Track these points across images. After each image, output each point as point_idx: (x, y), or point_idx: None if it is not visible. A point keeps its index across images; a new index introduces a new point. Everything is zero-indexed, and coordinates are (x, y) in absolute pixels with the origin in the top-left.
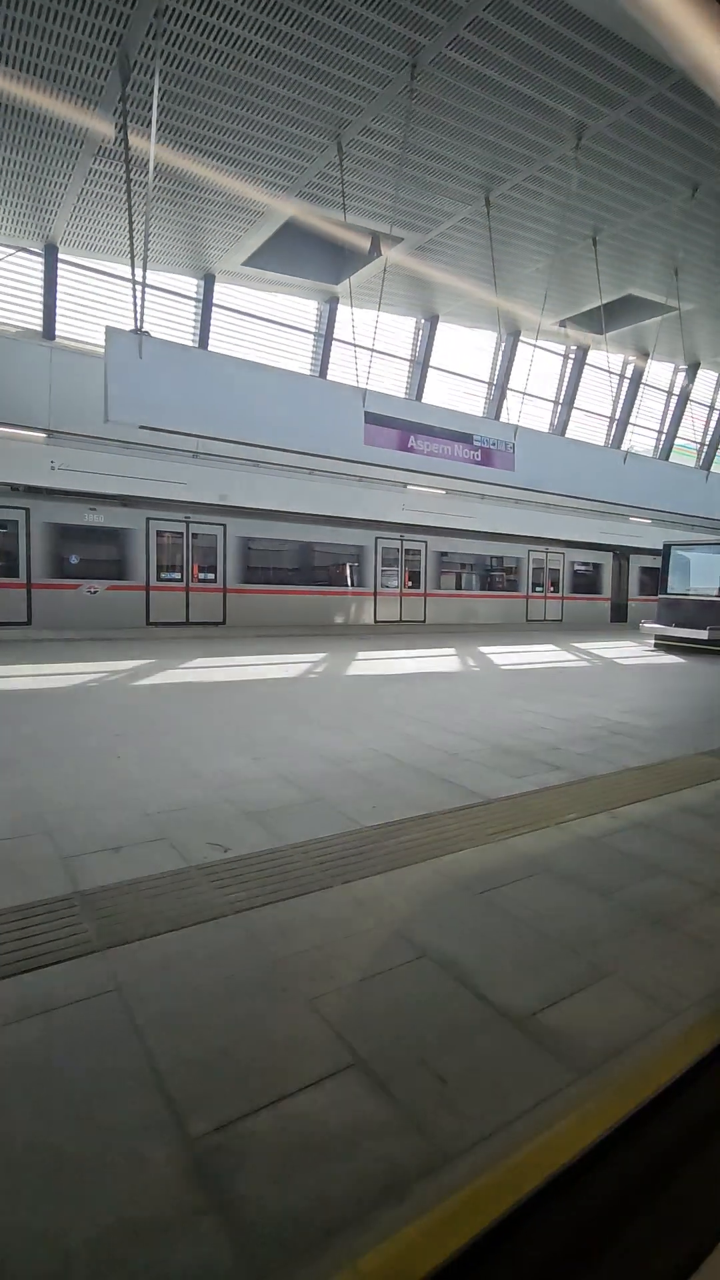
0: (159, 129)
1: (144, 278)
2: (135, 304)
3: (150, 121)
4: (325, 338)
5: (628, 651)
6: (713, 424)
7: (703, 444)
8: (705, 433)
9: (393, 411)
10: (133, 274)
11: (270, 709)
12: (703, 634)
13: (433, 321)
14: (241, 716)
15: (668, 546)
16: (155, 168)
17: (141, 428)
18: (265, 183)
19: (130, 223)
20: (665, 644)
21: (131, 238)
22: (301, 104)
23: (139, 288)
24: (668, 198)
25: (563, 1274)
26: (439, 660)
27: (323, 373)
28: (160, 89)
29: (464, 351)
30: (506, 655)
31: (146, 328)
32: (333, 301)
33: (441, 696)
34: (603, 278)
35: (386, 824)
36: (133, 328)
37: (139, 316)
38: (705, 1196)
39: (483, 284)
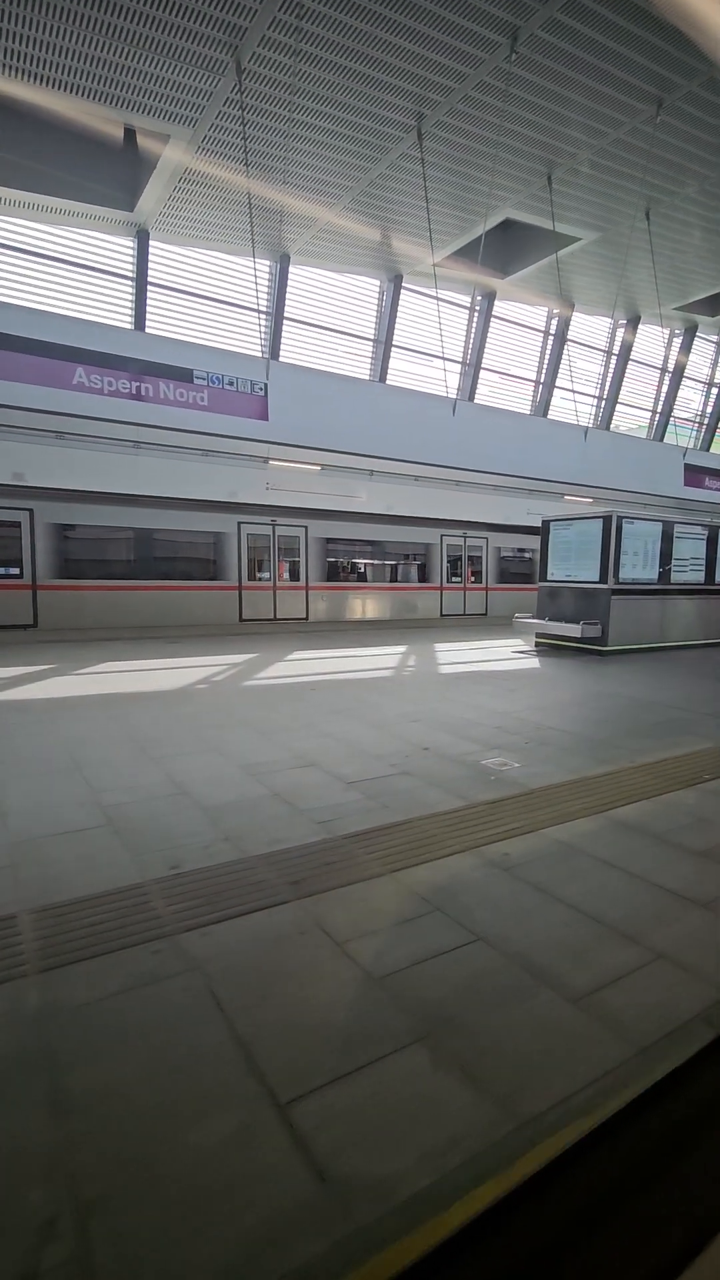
0: None
1: None
2: None
3: None
4: (139, 282)
5: (496, 654)
6: (664, 389)
7: (655, 412)
8: (657, 400)
9: (34, 331)
10: None
11: None
12: (575, 629)
13: (283, 262)
14: None
15: (546, 523)
16: None
17: None
18: None
19: None
20: (547, 642)
21: None
22: None
23: None
24: (485, 56)
25: None
26: (193, 672)
27: (139, 327)
28: None
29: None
30: (321, 662)
31: None
32: (142, 235)
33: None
34: (445, 187)
35: None
36: None
37: None
38: None
39: (322, 202)
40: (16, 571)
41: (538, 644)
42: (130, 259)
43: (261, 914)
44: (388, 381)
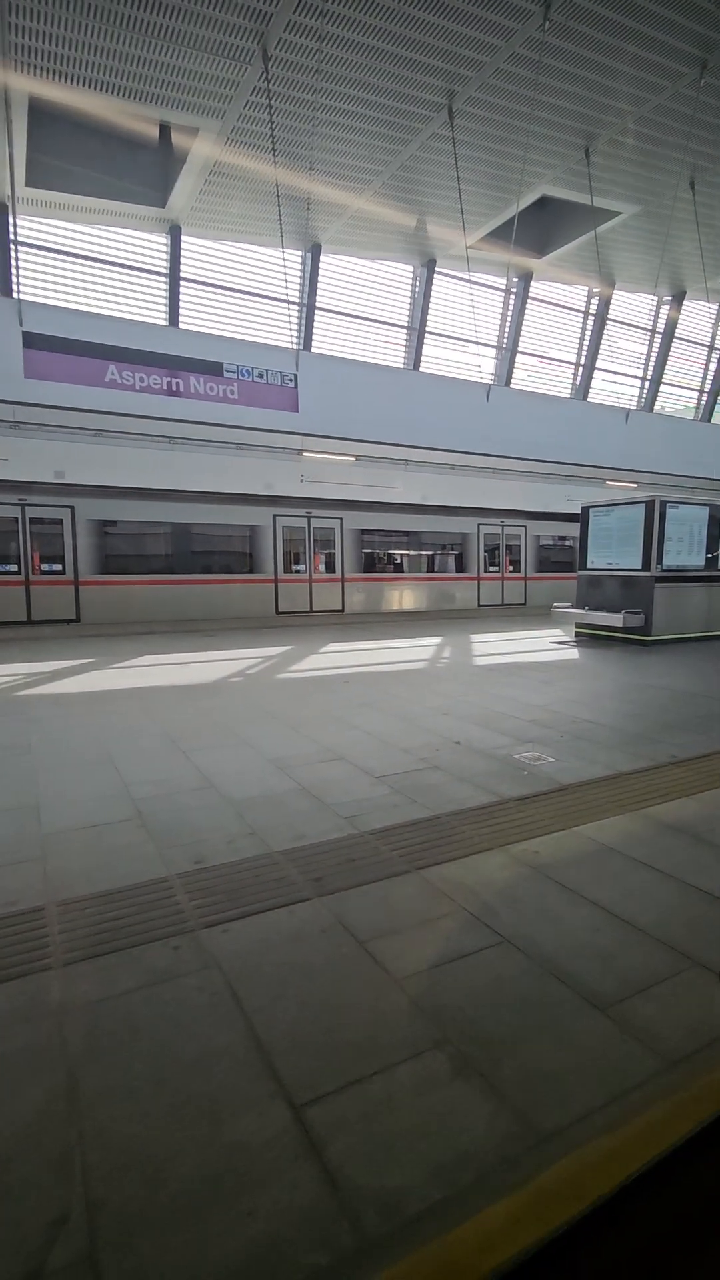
0: None
1: None
2: None
3: None
4: (172, 277)
5: (534, 645)
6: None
7: (702, 391)
8: (704, 379)
9: (71, 331)
10: None
11: None
12: (616, 619)
13: (315, 252)
14: None
15: (586, 510)
16: None
17: None
18: None
19: None
20: (587, 632)
21: None
22: None
23: None
24: (518, 26)
25: None
26: (214, 668)
27: (172, 322)
28: None
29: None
30: (355, 655)
31: None
32: (174, 230)
33: None
34: (478, 166)
35: None
36: None
37: None
38: None
39: (351, 189)
40: (59, 568)
41: (577, 634)
42: (163, 255)
43: (283, 911)
44: (423, 369)
